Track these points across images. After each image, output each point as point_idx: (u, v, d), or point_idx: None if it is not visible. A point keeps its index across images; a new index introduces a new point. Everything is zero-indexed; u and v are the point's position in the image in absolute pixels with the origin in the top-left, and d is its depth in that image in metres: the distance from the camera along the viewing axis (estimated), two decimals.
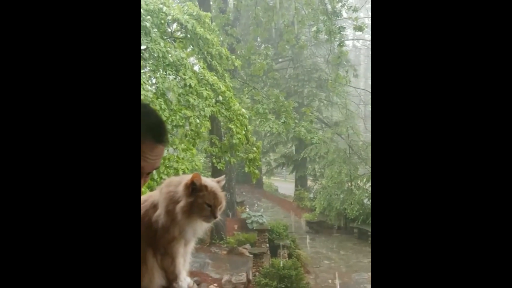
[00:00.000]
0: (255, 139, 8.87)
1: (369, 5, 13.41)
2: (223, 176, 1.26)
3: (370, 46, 14.12)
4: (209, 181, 1.19)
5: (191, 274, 1.24)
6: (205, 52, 7.98)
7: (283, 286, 8.63)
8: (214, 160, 8.56)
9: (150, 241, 1.15)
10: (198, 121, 6.77)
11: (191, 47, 8.24)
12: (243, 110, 8.12)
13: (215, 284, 8.95)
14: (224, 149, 8.33)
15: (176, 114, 6.23)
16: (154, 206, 1.18)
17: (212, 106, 7.01)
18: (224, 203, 1.19)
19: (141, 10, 6.54)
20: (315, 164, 19.86)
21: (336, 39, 12.77)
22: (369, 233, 12.97)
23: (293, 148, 21.14)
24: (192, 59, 9.25)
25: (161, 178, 5.35)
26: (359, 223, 14.38)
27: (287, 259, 10.24)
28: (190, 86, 6.62)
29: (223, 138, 9.18)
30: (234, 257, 10.64)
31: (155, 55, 6.36)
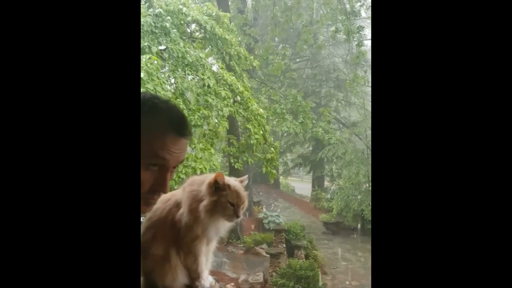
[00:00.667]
0: (272, 139, 8.87)
1: None
2: (246, 176, 1.26)
3: None
4: (232, 181, 1.19)
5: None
6: (224, 52, 8.02)
7: (300, 286, 8.61)
8: (232, 160, 8.58)
9: (174, 240, 1.16)
10: (216, 121, 6.80)
11: (210, 47, 8.29)
12: (261, 110, 8.13)
13: (232, 284, 8.98)
14: (242, 149, 8.35)
15: (195, 113, 6.27)
16: (177, 205, 1.19)
17: (230, 106, 7.04)
18: (246, 203, 1.19)
19: (161, 10, 6.61)
20: (332, 164, 19.72)
21: (354, 39, 12.65)
22: None
23: (310, 148, 21.04)
24: (210, 59, 9.30)
25: (179, 177, 5.39)
26: None
27: (304, 259, 10.20)
28: (208, 86, 6.66)
29: (240, 138, 9.20)
30: (251, 257, 10.66)
31: (175, 55, 6.42)
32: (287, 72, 16.24)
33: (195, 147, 6.46)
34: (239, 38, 10.70)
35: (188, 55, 6.56)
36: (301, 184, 24.68)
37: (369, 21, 14.70)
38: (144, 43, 6.17)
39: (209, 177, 1.17)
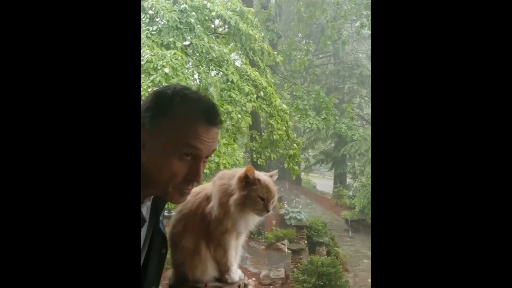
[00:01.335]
0: (295, 135, 8.84)
1: None
2: (276, 171, 1.26)
3: None
4: (262, 175, 1.19)
5: None
6: (247, 48, 8.02)
7: (322, 283, 8.57)
8: (254, 156, 8.60)
9: (204, 233, 1.17)
10: (239, 116, 6.82)
11: (234, 42, 8.30)
12: (284, 105, 8.11)
13: (253, 279, 9.02)
14: (264, 144, 8.35)
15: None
16: (207, 198, 1.20)
17: (254, 101, 7.05)
18: (276, 197, 1.19)
19: (186, 6, 6.65)
20: (355, 161, 19.50)
21: None
22: None
23: (333, 144, 20.87)
24: (233, 55, 9.32)
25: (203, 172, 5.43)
26: None
27: (326, 256, 10.15)
28: (232, 81, 6.68)
29: (262, 133, 9.21)
30: (272, 253, 10.69)
31: (199, 51, 6.46)
32: (310, 68, 16.13)
33: (218, 142, 6.48)
34: (263, 34, 10.69)
35: (212, 51, 6.59)
36: (322, 181, 24.55)
37: None
38: (169, 38, 6.23)
39: (239, 171, 1.17)
